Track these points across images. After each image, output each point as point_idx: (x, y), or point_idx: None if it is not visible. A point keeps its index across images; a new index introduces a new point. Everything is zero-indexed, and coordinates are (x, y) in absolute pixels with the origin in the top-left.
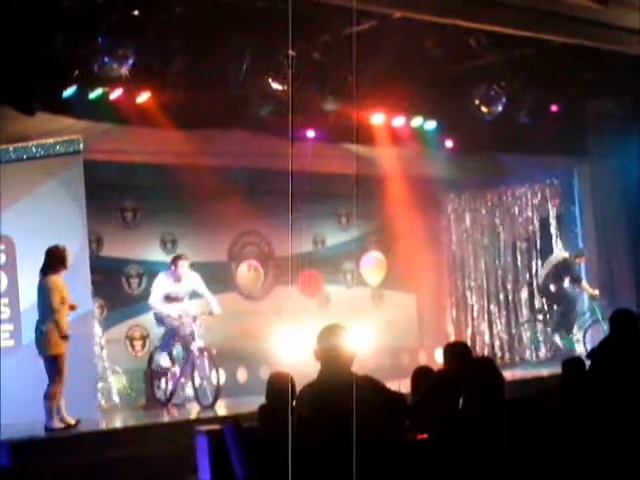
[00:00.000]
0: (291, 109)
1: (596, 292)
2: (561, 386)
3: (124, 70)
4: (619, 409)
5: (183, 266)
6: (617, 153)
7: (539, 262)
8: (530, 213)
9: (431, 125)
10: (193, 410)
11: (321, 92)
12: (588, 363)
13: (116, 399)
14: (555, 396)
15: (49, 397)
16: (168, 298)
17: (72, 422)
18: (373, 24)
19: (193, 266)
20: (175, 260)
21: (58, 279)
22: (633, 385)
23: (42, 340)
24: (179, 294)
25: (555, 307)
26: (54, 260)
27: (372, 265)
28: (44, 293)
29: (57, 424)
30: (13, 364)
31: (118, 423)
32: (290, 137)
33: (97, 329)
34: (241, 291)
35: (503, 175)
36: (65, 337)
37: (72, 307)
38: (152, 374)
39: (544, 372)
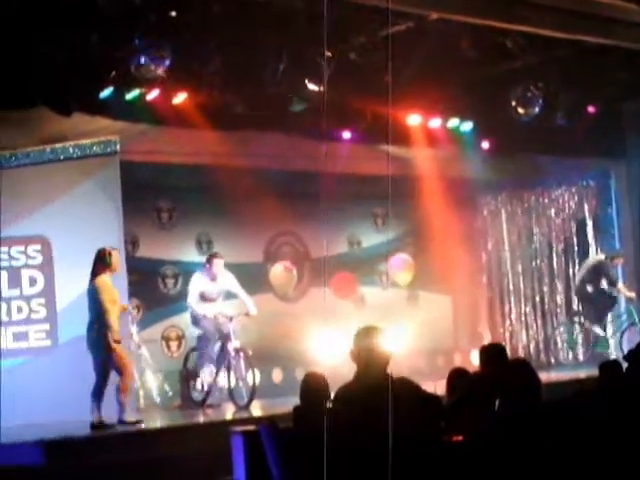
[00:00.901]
0: (325, 110)
1: (633, 294)
2: (598, 389)
3: (161, 71)
4: None
5: (218, 264)
6: None
7: (575, 264)
8: (566, 215)
9: (467, 126)
10: (228, 410)
11: (357, 93)
12: (625, 365)
13: (152, 399)
14: (592, 399)
15: (119, 391)
16: (203, 297)
17: (133, 420)
18: (409, 25)
19: (228, 266)
20: (210, 258)
21: (104, 281)
22: None
23: (94, 342)
24: (213, 293)
25: (591, 310)
26: (98, 262)
27: (399, 266)
28: (91, 295)
29: (130, 417)
30: (49, 364)
31: (154, 423)
32: (324, 138)
33: (134, 329)
34: (276, 292)
35: (539, 177)
36: (117, 341)
37: (124, 308)
38: (188, 375)
39: (580, 374)
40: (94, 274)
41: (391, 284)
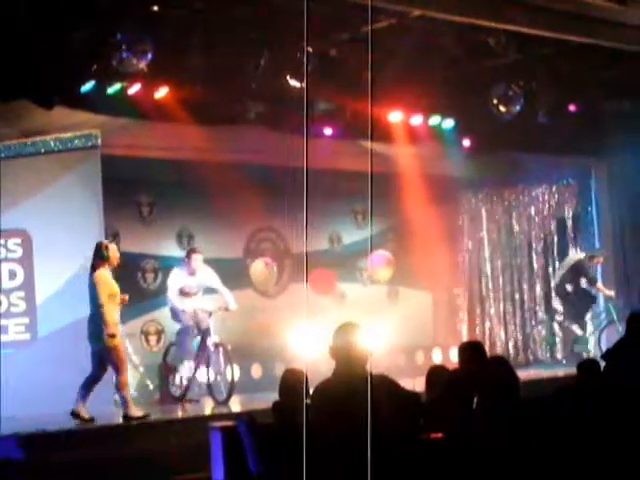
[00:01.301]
0: (306, 106)
1: (612, 293)
2: (576, 387)
3: (142, 65)
4: (634, 411)
5: (197, 259)
6: (635, 154)
7: (555, 262)
8: (547, 213)
9: (449, 124)
10: (207, 406)
11: (339, 89)
12: (603, 364)
13: (131, 393)
14: (570, 397)
15: (119, 387)
16: (182, 292)
17: (140, 414)
18: (391, 22)
19: (209, 261)
20: (189, 253)
21: (102, 275)
22: None
23: (92, 335)
24: (192, 288)
25: (570, 308)
26: (95, 256)
27: (379, 263)
28: (90, 289)
29: (136, 412)
30: (29, 357)
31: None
32: (305, 133)
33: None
34: (256, 288)
35: (520, 175)
36: (112, 335)
37: (123, 300)
38: (167, 369)
39: (559, 372)
40: (93, 268)
41: (371, 281)
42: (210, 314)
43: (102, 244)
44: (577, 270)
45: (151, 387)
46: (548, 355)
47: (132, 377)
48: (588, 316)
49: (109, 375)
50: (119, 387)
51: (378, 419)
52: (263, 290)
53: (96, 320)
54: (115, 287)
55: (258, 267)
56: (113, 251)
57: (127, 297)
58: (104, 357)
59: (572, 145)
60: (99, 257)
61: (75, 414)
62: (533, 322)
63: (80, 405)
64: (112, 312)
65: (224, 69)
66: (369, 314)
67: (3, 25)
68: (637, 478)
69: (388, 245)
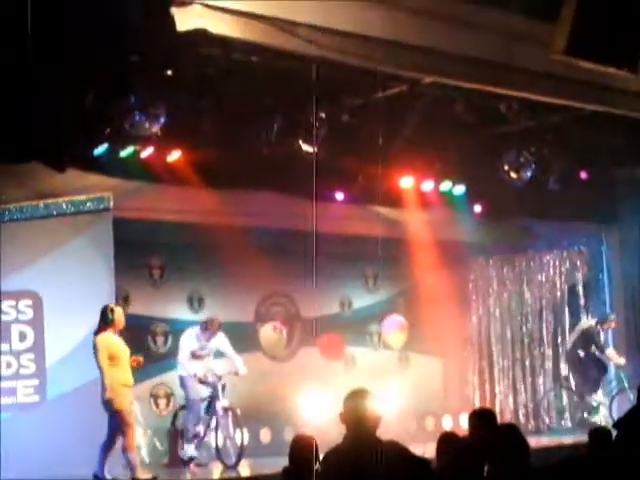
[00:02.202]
0: (315, 170)
1: (622, 360)
2: (587, 455)
3: (155, 129)
4: None
5: (214, 327)
6: None
7: (566, 329)
8: (558, 279)
9: (460, 190)
10: (216, 470)
11: (351, 154)
12: (614, 433)
13: (140, 457)
14: (581, 465)
15: (125, 450)
16: (194, 355)
17: (148, 477)
18: (403, 88)
19: (219, 326)
20: (209, 323)
21: (104, 338)
22: None
23: (103, 396)
24: (204, 351)
25: (581, 375)
26: (100, 319)
27: (393, 328)
28: (93, 352)
29: (143, 475)
30: (37, 419)
31: None
32: (314, 198)
33: None
34: (265, 352)
35: (531, 241)
36: (109, 401)
37: (137, 362)
38: (176, 433)
39: (569, 440)
40: (96, 331)
41: (384, 345)
42: (220, 378)
43: (108, 307)
44: (588, 337)
45: (160, 450)
46: (559, 423)
47: (141, 440)
48: (599, 384)
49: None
50: (125, 450)
51: None
52: (273, 354)
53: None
54: (120, 350)
55: (267, 331)
56: (119, 315)
57: (142, 359)
58: (109, 418)
59: (583, 212)
60: (104, 320)
61: (97, 478)
62: (543, 389)
63: (98, 469)
64: (112, 376)
65: (236, 134)
66: (379, 379)
67: (15, 86)
68: None
69: (399, 310)
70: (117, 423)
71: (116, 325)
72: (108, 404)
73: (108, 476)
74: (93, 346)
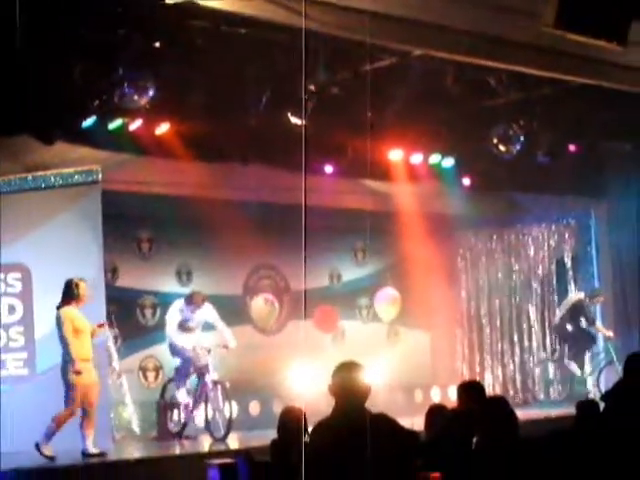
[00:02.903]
0: (304, 143)
1: (610, 333)
2: (575, 428)
3: (144, 101)
4: (633, 454)
5: (198, 300)
6: (634, 194)
7: (554, 302)
8: (546, 253)
9: (449, 163)
10: (205, 442)
11: (340, 127)
12: (602, 405)
13: (128, 430)
14: (569, 438)
15: (83, 424)
16: (181, 327)
17: (96, 452)
18: (393, 61)
19: (208, 298)
20: (192, 297)
21: (69, 311)
22: None
23: (63, 369)
24: (192, 324)
25: (570, 348)
26: (65, 293)
27: (386, 301)
28: (56, 325)
29: (93, 449)
30: (27, 392)
31: (129, 454)
32: (303, 171)
33: (115, 358)
34: (255, 324)
35: (520, 214)
36: (77, 372)
37: (95, 329)
38: (165, 406)
39: (557, 412)
40: (60, 304)
41: (374, 318)
42: (209, 351)
43: (73, 281)
44: (576, 310)
45: (149, 423)
46: (547, 395)
47: (130, 413)
48: (587, 356)
49: (105, 411)
50: (83, 425)
51: (377, 457)
52: (263, 327)
53: (63, 356)
54: (83, 324)
55: (259, 303)
56: (83, 289)
57: (104, 323)
58: (70, 393)
59: (572, 185)
60: (69, 294)
61: (38, 448)
62: (532, 362)
63: (86, 444)
64: (78, 348)
65: (225, 106)
66: (368, 352)
67: (4, 60)
68: None
69: (387, 283)
70: (77, 397)
71: (80, 299)
72: (73, 377)
73: (46, 452)
74: (57, 319)
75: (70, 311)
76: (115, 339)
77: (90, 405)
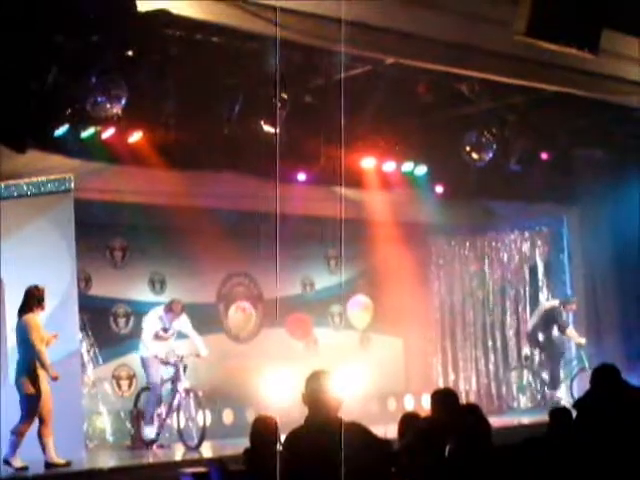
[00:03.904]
0: (278, 151)
1: (582, 340)
2: (548, 435)
3: (116, 110)
4: (605, 461)
5: (178, 309)
6: (607, 202)
7: (527, 309)
8: (519, 260)
9: (421, 170)
10: (178, 451)
11: (312, 135)
12: (574, 413)
13: (101, 439)
14: (542, 445)
15: (43, 435)
16: (157, 336)
17: (62, 462)
18: (365, 69)
19: (183, 308)
20: (171, 305)
21: (35, 318)
22: (616, 439)
23: (21, 379)
24: (167, 333)
25: (543, 355)
26: (32, 300)
27: (359, 308)
28: (24, 332)
29: (58, 460)
30: None
31: (103, 463)
32: (277, 179)
33: (89, 367)
34: (228, 332)
35: (492, 221)
36: (56, 378)
37: (49, 340)
38: (138, 414)
39: (530, 420)
40: (25, 311)
41: (347, 325)
42: (181, 359)
43: (39, 288)
44: (550, 317)
45: (122, 432)
46: (519, 402)
47: (103, 422)
48: (560, 363)
49: (78, 420)
50: (43, 434)
51: (349, 466)
52: (236, 335)
53: (28, 366)
54: (44, 332)
55: (234, 311)
56: (45, 295)
57: (56, 333)
58: (24, 401)
59: (544, 192)
60: (36, 300)
61: (8, 462)
62: (505, 369)
63: (13, 455)
64: (46, 356)
65: (198, 114)
66: (341, 360)
67: None
68: None
69: (360, 290)
70: (37, 406)
71: (43, 306)
72: (38, 386)
73: (18, 464)
74: (24, 326)
75: (36, 318)
76: (89, 348)
77: (49, 413)
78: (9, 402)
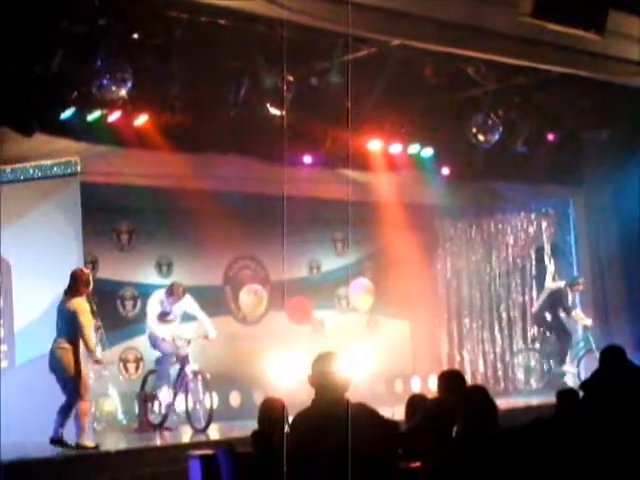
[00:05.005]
0: (285, 133)
1: (588, 321)
2: (555, 416)
3: (122, 93)
4: (611, 442)
5: (179, 292)
6: (613, 183)
7: (533, 291)
8: (525, 242)
9: (428, 152)
10: (186, 434)
11: (318, 117)
12: (581, 394)
13: (109, 421)
14: (549, 426)
15: (80, 415)
16: (161, 318)
17: (91, 445)
18: (371, 51)
19: (188, 289)
20: (172, 288)
21: (84, 302)
22: (623, 420)
23: (64, 361)
24: (172, 315)
25: (549, 336)
26: (80, 283)
27: (360, 291)
28: (69, 316)
29: (88, 442)
30: (6, 385)
31: (111, 446)
32: (283, 161)
33: (98, 350)
34: (235, 315)
35: (499, 203)
36: (99, 362)
37: (99, 326)
38: (145, 397)
39: (537, 401)
40: (74, 294)
41: (351, 308)
42: (189, 342)
43: (85, 271)
44: (556, 299)
45: (130, 415)
46: (526, 384)
47: (111, 405)
48: (567, 345)
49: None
50: (81, 414)
51: (357, 447)
52: (243, 317)
53: (72, 348)
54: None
55: (247, 294)
56: (90, 279)
57: (100, 324)
58: (71, 383)
59: (551, 174)
60: (83, 284)
61: (55, 441)
62: (512, 351)
63: (60, 432)
64: (94, 340)
65: (204, 97)
66: (348, 342)
67: None
68: None
69: (367, 273)
70: (83, 388)
71: (89, 291)
72: (80, 364)
73: (89, 443)
74: (73, 310)
75: (85, 302)
76: (97, 330)
77: (87, 393)
78: (19, 383)
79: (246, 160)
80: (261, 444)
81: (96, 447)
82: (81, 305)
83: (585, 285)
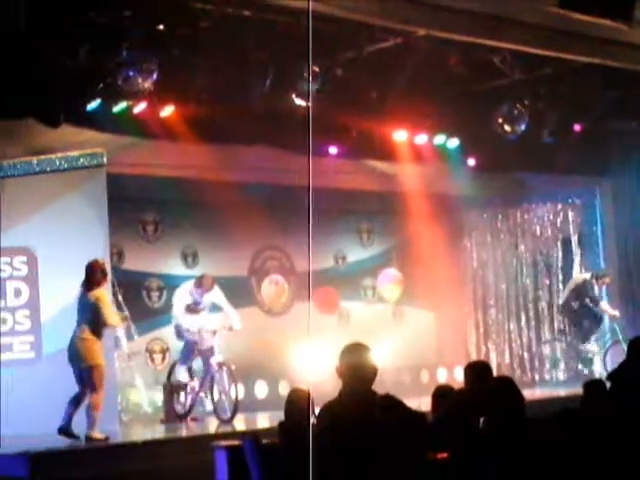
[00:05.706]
0: (309, 124)
1: (615, 312)
2: (582, 407)
3: (148, 84)
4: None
5: (208, 284)
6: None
7: (560, 281)
8: (551, 232)
9: (454, 143)
10: (212, 424)
11: (344, 108)
12: (608, 384)
13: (135, 412)
14: (576, 418)
15: (93, 407)
16: (188, 309)
17: (101, 437)
18: (397, 41)
19: (214, 280)
20: (201, 279)
21: (106, 293)
22: None
23: (83, 351)
24: (199, 306)
25: (576, 327)
26: (97, 273)
27: (389, 281)
28: (91, 307)
29: (97, 434)
30: (33, 375)
31: (137, 437)
32: (309, 152)
33: (124, 341)
34: (261, 306)
35: (525, 194)
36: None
37: (125, 318)
38: (171, 388)
39: (564, 392)
40: (93, 285)
41: (379, 299)
42: (214, 333)
43: (98, 261)
44: (582, 290)
45: (156, 406)
46: (553, 375)
47: (137, 396)
48: (593, 336)
49: (113, 393)
50: (93, 406)
51: (383, 438)
52: (269, 308)
53: (93, 338)
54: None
55: (268, 285)
56: (106, 269)
57: (126, 315)
58: (88, 373)
59: (577, 164)
60: (102, 275)
61: (63, 431)
62: (538, 342)
63: (68, 421)
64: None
65: (229, 88)
66: (374, 333)
67: (8, 43)
68: None
69: (393, 264)
70: (98, 380)
71: (107, 279)
72: (100, 356)
73: (99, 435)
74: (95, 300)
75: (107, 294)
76: (124, 321)
77: (102, 386)
78: (46, 374)
79: (272, 151)
80: (287, 435)
81: (106, 439)
82: (105, 296)
83: (612, 276)
